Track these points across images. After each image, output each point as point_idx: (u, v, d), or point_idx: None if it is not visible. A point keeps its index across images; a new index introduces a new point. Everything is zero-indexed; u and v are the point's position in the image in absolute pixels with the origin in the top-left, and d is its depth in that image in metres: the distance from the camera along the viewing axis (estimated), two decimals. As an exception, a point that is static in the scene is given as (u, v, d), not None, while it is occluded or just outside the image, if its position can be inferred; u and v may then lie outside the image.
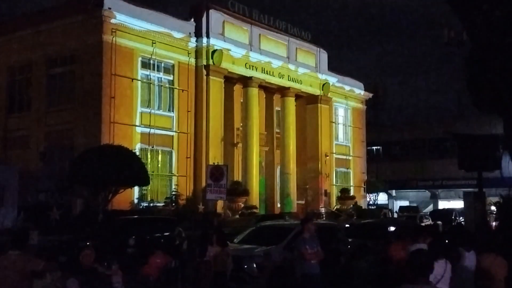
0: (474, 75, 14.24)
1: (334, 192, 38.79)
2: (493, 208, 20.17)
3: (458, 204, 35.53)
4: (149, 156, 27.04)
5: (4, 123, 29.64)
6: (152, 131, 27.14)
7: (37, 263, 6.45)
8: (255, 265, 12.74)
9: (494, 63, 13.69)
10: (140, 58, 27.30)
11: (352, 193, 39.42)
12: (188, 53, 29.37)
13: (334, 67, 39.93)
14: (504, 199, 17.05)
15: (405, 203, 48.54)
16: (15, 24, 29.52)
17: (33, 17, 29.12)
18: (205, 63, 29.53)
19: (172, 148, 28.53)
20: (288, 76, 34.94)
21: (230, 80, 31.82)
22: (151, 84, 27.85)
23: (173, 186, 27.88)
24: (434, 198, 49.73)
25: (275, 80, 34.06)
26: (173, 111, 28.81)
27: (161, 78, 28.65)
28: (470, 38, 15.86)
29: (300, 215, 32.76)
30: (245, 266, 12.67)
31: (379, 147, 52.40)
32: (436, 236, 8.80)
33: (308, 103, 37.48)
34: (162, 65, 28.59)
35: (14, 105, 29.91)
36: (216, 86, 29.87)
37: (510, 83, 13.39)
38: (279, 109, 35.82)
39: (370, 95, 44.79)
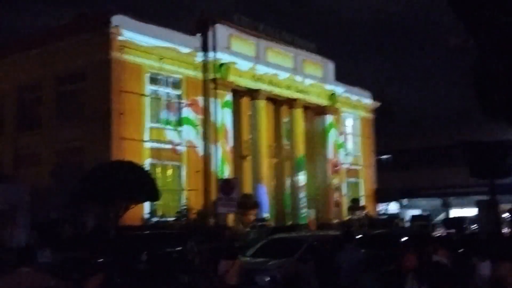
0: (481, 82, 14.21)
1: (345, 203, 38.63)
2: (506, 215, 19.97)
3: (470, 211, 35.23)
4: (159, 171, 27.10)
5: (15, 141, 29.86)
6: (162, 146, 27.21)
7: (48, 280, 6.48)
8: (267, 278, 12.67)
9: (501, 69, 13.65)
10: (148, 74, 27.47)
11: (363, 203, 39.25)
12: (196, 68, 29.53)
13: (341, 77, 39.98)
14: (517, 206, 16.91)
15: (417, 211, 48.18)
16: (24, 43, 29.84)
17: (41, 36, 29.43)
18: (212, 77, 29.66)
19: (182, 162, 28.58)
20: (296, 87, 34.98)
21: (238, 93, 31.92)
22: (160, 99, 28.00)
23: (184, 200, 27.89)
24: (446, 206, 49.34)
25: (282, 92, 34.11)
26: (182, 126, 28.90)
27: (169, 93, 28.80)
28: (475, 45, 15.84)
29: (312, 227, 32.69)
30: (257, 280, 12.61)
31: (389, 156, 52.20)
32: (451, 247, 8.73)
33: (316, 114, 37.46)
34: (170, 80, 28.75)
35: (24, 123, 30.13)
36: (224, 99, 29.94)
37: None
38: (287, 120, 35.83)
39: (378, 104, 44.72)
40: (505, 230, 20.38)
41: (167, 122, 28.41)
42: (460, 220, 34.88)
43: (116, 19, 26.08)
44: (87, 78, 26.96)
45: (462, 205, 46.48)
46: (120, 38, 26.03)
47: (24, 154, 29.23)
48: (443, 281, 4.54)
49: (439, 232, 28.20)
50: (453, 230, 26.03)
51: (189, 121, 29.06)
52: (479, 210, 18.03)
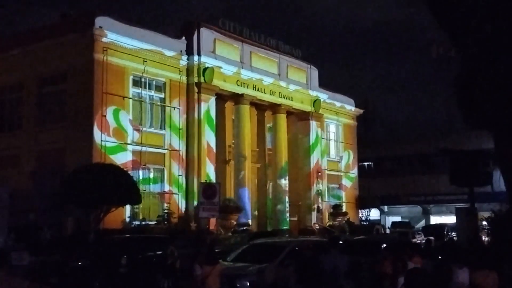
0: (464, 91, 14.37)
1: (327, 208, 38.75)
2: (484, 223, 20.20)
3: (450, 219, 35.64)
4: (140, 174, 26.94)
5: (-5, 142, 29.43)
6: (144, 149, 27.08)
7: (22, 283, 6.41)
8: (248, 283, 12.68)
9: (484, 79, 13.83)
10: (131, 76, 27.32)
11: (344, 209, 39.42)
12: (180, 71, 29.46)
13: (325, 83, 40.20)
14: (496, 214, 17.10)
15: (397, 218, 48.64)
16: (5, 44, 29.48)
17: (24, 36, 29.13)
18: (196, 81, 29.60)
19: (164, 166, 28.45)
20: (279, 93, 35.10)
21: (222, 97, 31.90)
22: (143, 102, 27.88)
23: (165, 204, 27.75)
24: (426, 214, 49.87)
25: (266, 97, 34.19)
26: (164, 129, 28.80)
27: (152, 96, 28.68)
28: (459, 55, 16.04)
29: (294, 232, 32.75)
30: (238, 285, 12.61)
31: (370, 163, 52.58)
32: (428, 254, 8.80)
33: (300, 119, 37.60)
34: (154, 83, 28.63)
35: (4, 125, 29.74)
36: (207, 103, 29.92)
37: (499, 99, 13.53)
38: (271, 125, 35.90)
39: (361, 111, 45.03)
40: (484, 238, 20.60)
41: (150, 125, 28.28)
42: (439, 227, 35.27)
43: (100, 21, 25.93)
44: (70, 80, 26.73)
45: (442, 213, 47.03)
46: (103, 40, 25.86)
47: (4, 156, 28.82)
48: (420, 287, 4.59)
49: (418, 239, 28.48)
50: (432, 237, 26.25)
51: (172, 125, 28.96)
52: (458, 218, 18.23)
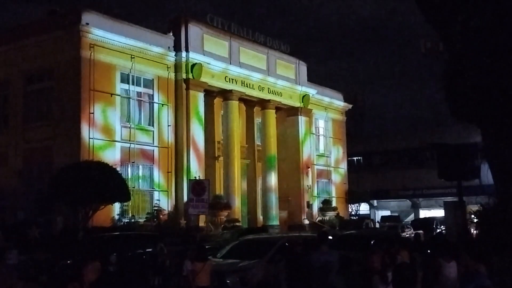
0: (452, 85, 14.44)
1: (316, 203, 38.83)
2: (473, 216, 20.30)
3: (439, 212, 35.86)
4: (129, 171, 26.81)
5: (-19, 140, 29.12)
6: (132, 146, 26.95)
7: (15, 283, 6.37)
8: (238, 280, 12.68)
9: (471, 73, 13.91)
10: (119, 73, 27.15)
11: (334, 204, 39.51)
12: (168, 67, 29.31)
13: (314, 78, 40.22)
14: (484, 208, 17.17)
15: (387, 212, 48.87)
16: (-9, 41, 29.18)
17: (10, 33, 28.84)
18: (184, 77, 29.49)
19: (153, 163, 28.33)
20: (268, 88, 35.05)
21: (210, 93, 31.81)
22: (131, 99, 27.71)
23: (154, 201, 27.65)
24: (415, 207, 50.12)
25: (255, 93, 34.13)
26: (153, 126, 28.66)
27: (140, 92, 28.52)
28: (446, 49, 16.10)
29: (283, 228, 32.80)
30: (228, 281, 12.61)
31: (360, 158, 52.75)
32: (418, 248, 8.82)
33: (289, 115, 37.61)
34: (142, 79, 28.47)
35: (-9, 122, 29.47)
36: (196, 99, 29.83)
37: (487, 93, 13.61)
38: (260, 121, 35.87)
39: (350, 106, 45.11)
40: (473, 231, 20.71)
41: (138, 122, 28.13)
42: (428, 221, 35.49)
43: (87, 17, 25.73)
44: (56, 77, 26.51)
45: (430, 207, 47.31)
46: (90, 36, 25.66)
47: (-9, 154, 28.55)
48: (407, 283, 4.58)
49: (408, 233, 28.65)
50: (421, 231, 26.39)
51: (160, 121, 28.83)
52: (447, 212, 18.29)
